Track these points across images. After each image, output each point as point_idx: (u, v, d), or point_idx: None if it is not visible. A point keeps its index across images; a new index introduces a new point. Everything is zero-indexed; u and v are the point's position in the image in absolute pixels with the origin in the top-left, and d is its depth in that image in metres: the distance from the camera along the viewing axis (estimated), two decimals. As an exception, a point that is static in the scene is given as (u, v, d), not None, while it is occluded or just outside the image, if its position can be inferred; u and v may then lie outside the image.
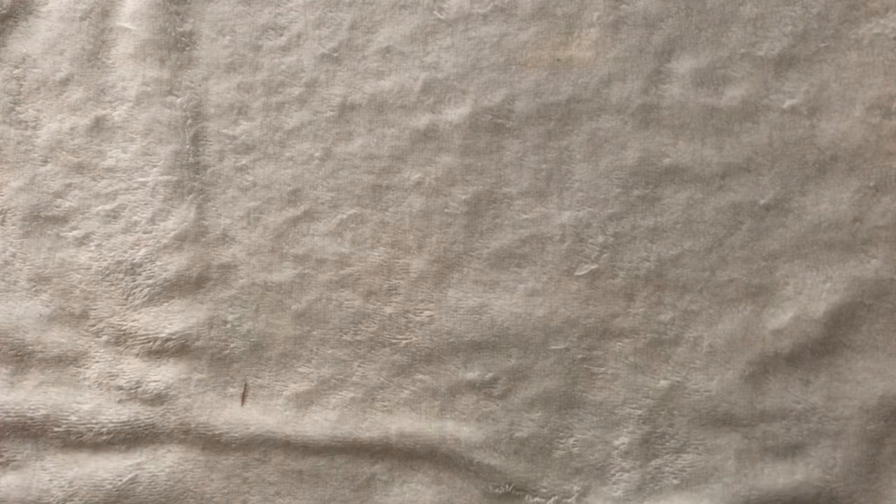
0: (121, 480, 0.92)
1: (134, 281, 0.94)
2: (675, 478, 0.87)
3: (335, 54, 0.93)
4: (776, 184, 0.86)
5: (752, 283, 0.86)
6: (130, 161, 0.95)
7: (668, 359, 0.87)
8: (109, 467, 0.92)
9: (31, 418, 0.93)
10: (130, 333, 0.93)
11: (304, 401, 0.92)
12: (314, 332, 0.92)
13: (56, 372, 0.94)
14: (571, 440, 0.88)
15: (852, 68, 0.86)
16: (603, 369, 0.88)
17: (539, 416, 0.88)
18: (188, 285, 0.93)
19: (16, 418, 0.93)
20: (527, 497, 0.88)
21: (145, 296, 0.94)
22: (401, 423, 0.90)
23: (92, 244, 0.94)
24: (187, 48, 0.95)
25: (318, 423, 0.91)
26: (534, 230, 0.89)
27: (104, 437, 0.92)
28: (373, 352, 0.91)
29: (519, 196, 0.90)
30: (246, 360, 0.93)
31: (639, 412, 0.87)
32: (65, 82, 0.95)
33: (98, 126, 0.95)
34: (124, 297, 0.94)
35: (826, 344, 0.85)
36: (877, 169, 0.85)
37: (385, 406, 0.91)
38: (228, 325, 0.93)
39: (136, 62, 0.95)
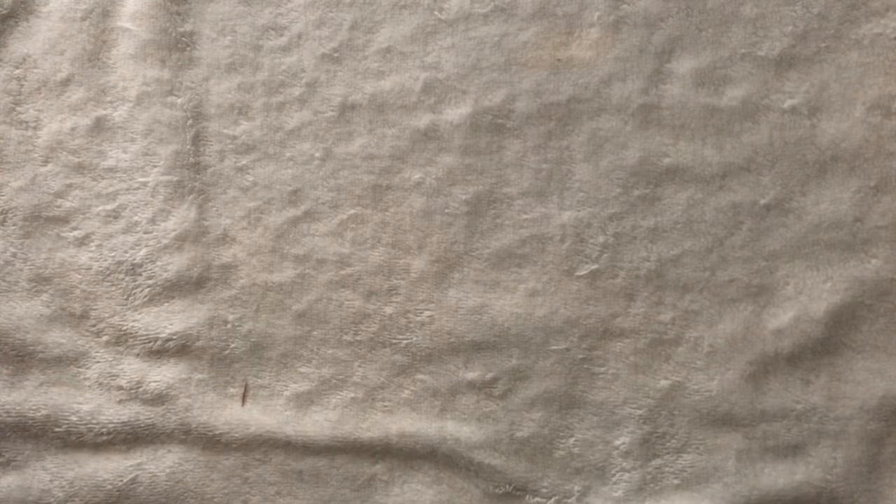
0: (121, 481, 0.92)
1: (134, 281, 0.94)
2: (675, 478, 0.87)
3: (336, 54, 0.93)
4: (777, 184, 0.86)
5: (752, 283, 0.86)
6: (131, 161, 0.95)
7: (668, 359, 0.87)
8: (110, 467, 0.92)
9: (32, 418, 0.93)
10: (131, 333, 0.93)
11: (305, 401, 0.92)
12: (315, 333, 0.92)
13: (57, 372, 0.94)
14: (572, 440, 0.88)
15: (853, 68, 0.86)
16: (603, 369, 0.88)
17: (539, 416, 0.88)
18: (189, 285, 0.93)
19: (16, 418, 0.93)
20: (527, 497, 0.88)
21: (146, 296, 0.94)
22: (401, 423, 0.90)
23: (92, 244, 0.95)
24: (188, 48, 0.95)
25: (319, 423, 0.91)
26: (534, 230, 0.89)
27: (105, 438, 0.92)
28: (373, 352, 0.91)
29: (519, 196, 0.90)
30: (246, 360, 0.93)
31: (639, 412, 0.87)
32: (65, 82, 0.95)
33: (99, 126, 0.95)
34: (125, 297, 0.94)
35: (826, 344, 0.85)
36: (877, 169, 0.85)
37: (385, 406, 0.91)
38: (229, 326, 0.93)
39: (136, 62, 0.95)
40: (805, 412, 0.85)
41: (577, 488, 0.88)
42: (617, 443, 0.88)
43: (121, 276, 0.94)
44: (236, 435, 0.91)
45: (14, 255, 0.95)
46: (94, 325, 0.94)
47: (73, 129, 0.95)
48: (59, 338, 0.94)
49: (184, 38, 0.95)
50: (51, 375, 0.94)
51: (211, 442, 0.92)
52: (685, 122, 0.88)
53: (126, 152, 0.95)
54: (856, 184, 0.85)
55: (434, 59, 0.91)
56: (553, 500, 0.88)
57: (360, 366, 0.91)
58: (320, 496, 0.90)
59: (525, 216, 0.90)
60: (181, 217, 0.94)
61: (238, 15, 0.95)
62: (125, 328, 0.94)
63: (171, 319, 0.93)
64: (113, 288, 0.94)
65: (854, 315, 0.85)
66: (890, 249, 0.84)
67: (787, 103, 0.86)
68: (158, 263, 0.94)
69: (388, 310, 0.91)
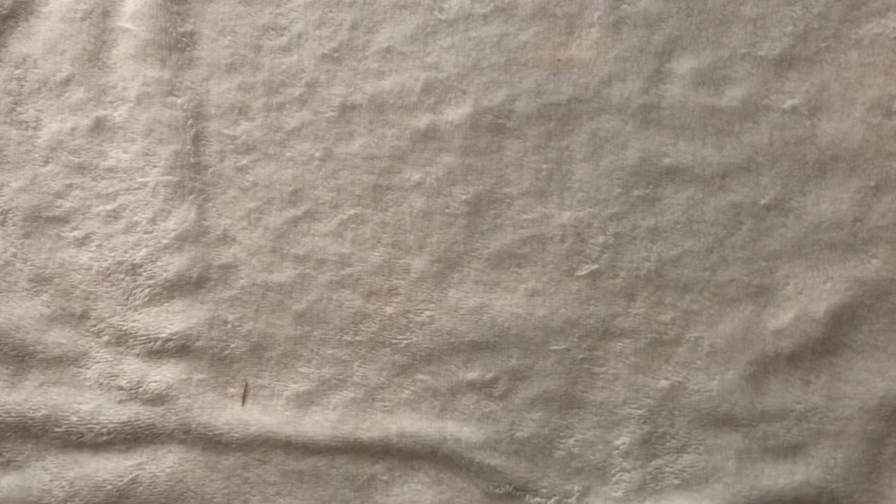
0: (121, 481, 0.92)
1: (134, 281, 0.94)
2: (675, 478, 0.87)
3: (336, 54, 0.93)
4: (777, 184, 0.86)
5: (752, 283, 0.86)
6: (131, 161, 0.95)
7: (668, 359, 0.87)
8: (110, 468, 0.92)
9: (32, 419, 0.93)
10: (131, 334, 0.93)
11: (305, 401, 0.92)
12: (315, 333, 0.92)
13: (57, 372, 0.94)
14: (572, 440, 0.88)
15: (853, 68, 0.86)
16: (603, 369, 0.88)
17: (540, 416, 0.88)
18: (189, 285, 0.93)
19: (17, 418, 0.93)
20: (527, 497, 0.88)
21: (146, 296, 0.94)
22: (401, 423, 0.90)
23: (93, 244, 0.95)
24: (188, 48, 0.95)
25: (319, 423, 0.91)
26: (534, 230, 0.89)
27: (105, 438, 0.92)
28: (373, 352, 0.91)
29: (519, 196, 0.90)
30: (246, 360, 0.93)
31: (639, 412, 0.87)
32: (66, 83, 0.95)
33: (99, 126, 0.95)
34: (125, 297, 0.94)
35: (827, 344, 0.85)
36: (877, 169, 0.85)
37: (385, 406, 0.91)
38: (229, 326, 0.93)
39: (136, 62, 0.95)
40: (805, 412, 0.85)
41: (577, 488, 0.88)
42: (617, 443, 0.88)
43: (121, 276, 0.94)
44: (236, 435, 0.91)
45: (14, 255, 0.95)
46: (94, 326, 0.94)
47: (73, 129, 0.95)
48: (59, 338, 0.94)
49: (184, 38, 0.95)
50: (51, 375, 0.94)
51: (211, 442, 0.92)
52: (685, 122, 0.88)
53: (126, 152, 0.95)
54: (856, 184, 0.85)
55: (434, 59, 0.91)
56: (553, 500, 0.88)
57: (360, 366, 0.91)
58: (320, 496, 0.90)
59: (525, 216, 0.90)
60: (181, 217, 0.94)
61: (238, 15, 0.95)
62: (125, 328, 0.94)
63: (172, 319, 0.93)
64: (113, 288, 0.94)
65: (854, 315, 0.85)
66: (890, 249, 0.84)
67: (787, 103, 0.86)
68: (158, 263, 0.94)
69: (388, 310, 0.91)
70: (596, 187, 0.89)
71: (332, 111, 0.93)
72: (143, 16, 0.95)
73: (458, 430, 0.89)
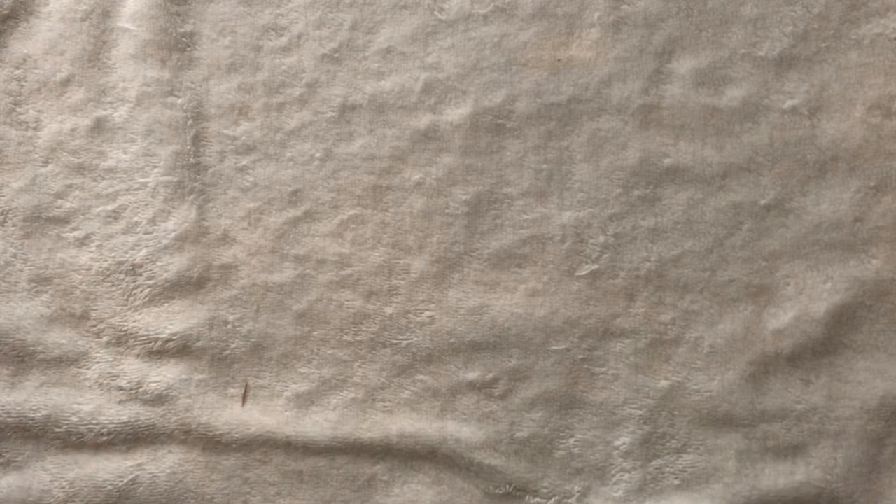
0: (122, 481, 0.92)
1: (135, 281, 0.94)
2: (675, 478, 0.87)
3: (336, 55, 0.93)
4: (777, 184, 0.86)
5: (752, 284, 0.86)
6: (131, 162, 0.95)
7: (668, 359, 0.87)
8: (110, 468, 0.92)
9: (32, 419, 0.93)
10: (131, 334, 0.93)
11: (305, 401, 0.92)
12: (315, 333, 0.92)
13: (57, 373, 0.94)
14: (572, 440, 0.88)
15: (853, 68, 0.86)
16: (604, 369, 0.88)
17: (540, 416, 0.88)
18: (189, 286, 0.93)
19: (17, 419, 0.93)
20: (527, 497, 0.88)
21: (146, 296, 0.94)
22: (401, 423, 0.90)
23: (93, 245, 0.95)
24: (188, 49, 0.95)
25: (319, 423, 0.91)
26: (534, 230, 0.89)
27: (105, 438, 0.92)
28: (373, 352, 0.91)
29: (519, 196, 0.90)
30: (246, 360, 0.93)
31: (639, 412, 0.87)
32: (66, 83, 0.95)
33: (99, 127, 0.95)
34: (125, 297, 0.94)
35: (827, 344, 0.85)
36: (877, 169, 0.85)
37: (386, 406, 0.91)
38: (229, 326, 0.93)
39: (136, 63, 0.95)
40: (805, 412, 0.85)
41: (577, 488, 0.88)
42: (617, 443, 0.88)
43: (121, 276, 0.94)
44: (236, 435, 0.91)
45: (14, 255, 0.95)
46: (94, 326, 0.94)
47: (73, 129, 0.95)
48: (59, 338, 0.94)
49: (184, 39, 0.95)
50: (51, 376, 0.94)
51: (211, 442, 0.92)
52: (685, 122, 0.88)
53: (126, 153, 0.95)
54: (856, 184, 0.85)
55: (434, 59, 0.91)
56: (553, 500, 0.88)
57: (360, 366, 0.91)
58: (320, 496, 0.91)
59: (525, 216, 0.90)
60: (181, 217, 0.94)
61: (238, 15, 0.95)
62: (125, 329, 0.94)
63: (172, 320, 0.93)
64: (113, 288, 0.94)
65: (854, 315, 0.85)
66: (890, 249, 0.84)
67: (787, 103, 0.86)
68: (159, 264, 0.94)
69: (389, 310, 0.91)
70: (596, 187, 0.89)
71: (332, 111, 0.93)
72: (143, 16, 0.95)
73: (458, 430, 0.89)
